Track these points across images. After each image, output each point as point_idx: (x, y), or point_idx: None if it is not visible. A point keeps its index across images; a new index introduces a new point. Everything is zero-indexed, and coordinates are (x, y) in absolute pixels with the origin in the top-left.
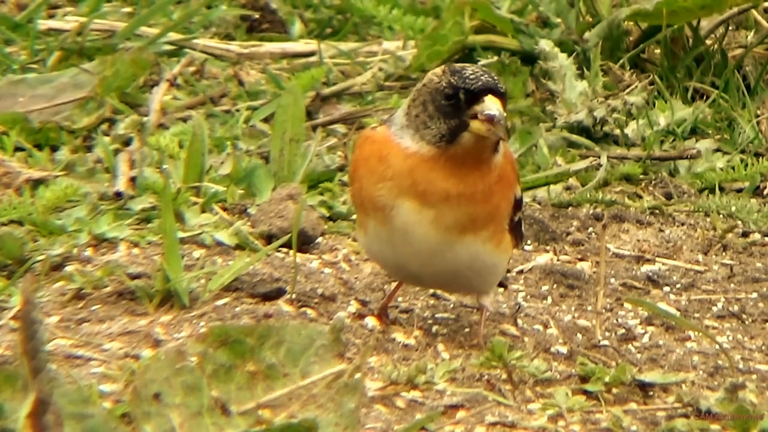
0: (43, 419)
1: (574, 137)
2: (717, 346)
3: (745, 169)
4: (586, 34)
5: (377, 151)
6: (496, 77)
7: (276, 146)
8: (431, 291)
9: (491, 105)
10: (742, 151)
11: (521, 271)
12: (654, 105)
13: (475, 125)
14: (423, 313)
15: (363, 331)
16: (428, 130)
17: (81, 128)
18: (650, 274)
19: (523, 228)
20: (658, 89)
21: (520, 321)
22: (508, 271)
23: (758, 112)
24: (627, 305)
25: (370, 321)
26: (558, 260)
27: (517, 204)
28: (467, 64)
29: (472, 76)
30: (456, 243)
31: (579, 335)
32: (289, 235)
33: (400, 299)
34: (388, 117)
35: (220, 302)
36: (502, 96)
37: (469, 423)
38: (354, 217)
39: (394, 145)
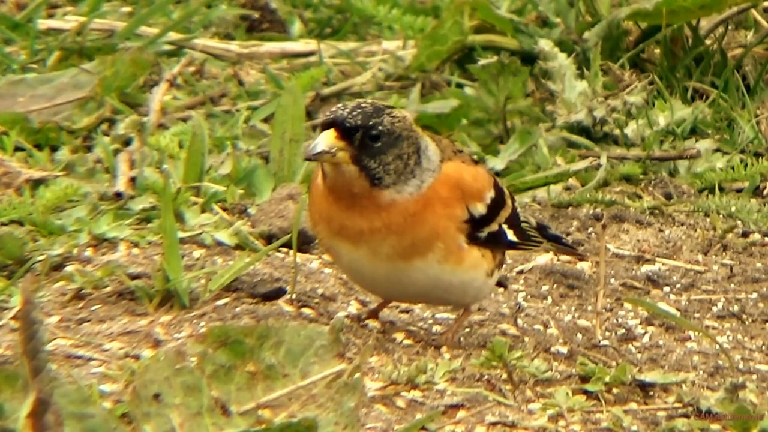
0: (43, 419)
1: (574, 137)
2: (717, 346)
3: (745, 169)
4: (586, 34)
5: (311, 195)
6: (357, 112)
7: (276, 146)
8: None
9: (318, 138)
10: (742, 151)
11: (521, 271)
12: (654, 105)
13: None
14: (423, 313)
15: (363, 331)
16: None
17: (81, 128)
18: (650, 274)
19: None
20: (658, 89)
21: (520, 321)
22: (509, 271)
23: (758, 112)
24: (627, 305)
25: (370, 321)
26: (558, 260)
27: (479, 221)
28: (363, 101)
29: (330, 111)
30: (407, 269)
31: (579, 335)
32: (289, 235)
33: None
34: None
35: (220, 302)
36: (347, 130)
37: (469, 423)
38: None
39: (316, 183)
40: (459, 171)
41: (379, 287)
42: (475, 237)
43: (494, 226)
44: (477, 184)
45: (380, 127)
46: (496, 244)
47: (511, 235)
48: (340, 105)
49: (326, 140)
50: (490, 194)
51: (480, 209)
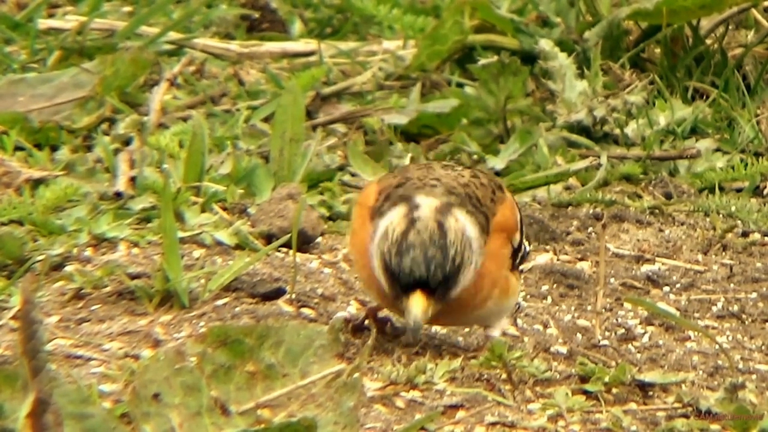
0: (42, 419)
1: (574, 137)
2: (717, 346)
3: (745, 169)
4: (586, 34)
5: (360, 255)
6: (435, 266)
7: (276, 146)
8: None
9: (412, 310)
10: (742, 151)
11: (521, 271)
12: (654, 104)
13: (403, 305)
14: None
15: (363, 331)
16: (380, 273)
17: (81, 128)
18: (650, 273)
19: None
20: (658, 89)
21: (520, 321)
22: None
23: (758, 111)
24: (627, 305)
25: (368, 321)
26: (558, 260)
27: (517, 248)
28: (422, 235)
29: (406, 268)
30: (466, 319)
31: (579, 335)
32: (289, 234)
33: None
34: (387, 198)
35: (219, 302)
36: (433, 290)
37: (468, 423)
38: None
39: (368, 259)
40: (504, 214)
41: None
42: (515, 266)
43: (523, 248)
44: (513, 216)
45: (458, 275)
46: (523, 262)
47: (527, 245)
48: (411, 261)
49: (419, 307)
50: (519, 217)
51: (518, 238)
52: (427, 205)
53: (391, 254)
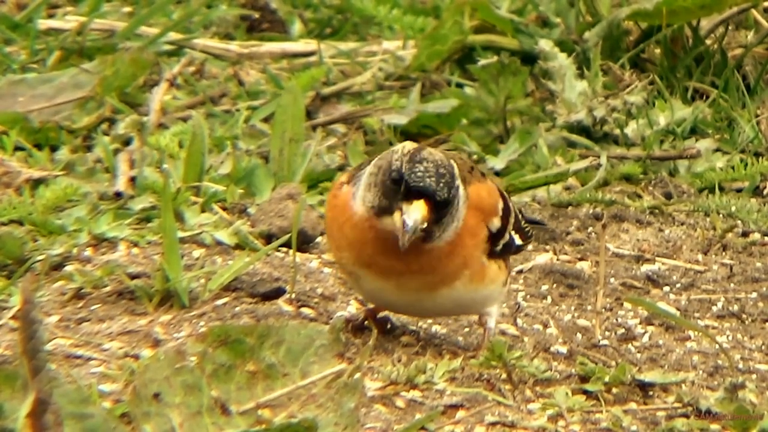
0: (42, 419)
1: (574, 137)
2: (717, 346)
3: (745, 169)
4: (586, 34)
5: (338, 216)
6: (443, 182)
7: (276, 146)
8: None
9: (413, 213)
10: (742, 151)
11: (521, 271)
12: (654, 105)
13: (396, 216)
14: None
15: (363, 331)
16: (369, 194)
17: (81, 128)
18: (650, 273)
19: (525, 232)
20: (658, 89)
21: (519, 321)
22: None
23: (758, 111)
24: (627, 305)
25: (368, 322)
26: (558, 260)
27: (496, 234)
28: (434, 155)
29: (419, 173)
30: (433, 296)
31: (579, 335)
32: (289, 234)
33: None
34: (367, 162)
35: (219, 302)
36: (436, 204)
37: (468, 423)
38: None
39: (349, 211)
40: (478, 193)
41: (398, 309)
42: (493, 252)
43: (506, 236)
44: (492, 199)
45: (455, 200)
46: (508, 252)
47: (518, 240)
48: (430, 168)
49: (420, 213)
50: (501, 205)
51: (496, 223)
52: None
53: (402, 162)
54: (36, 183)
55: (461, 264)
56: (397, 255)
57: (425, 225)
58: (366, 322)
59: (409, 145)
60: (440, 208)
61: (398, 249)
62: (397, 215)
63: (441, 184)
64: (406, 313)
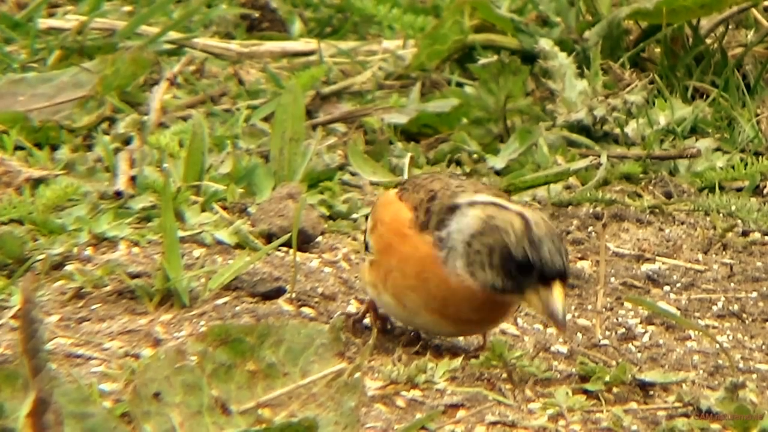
0: (43, 418)
1: (574, 136)
2: (717, 346)
3: (745, 168)
4: (586, 33)
5: (417, 264)
6: (567, 257)
7: (276, 145)
8: None
9: (558, 300)
10: (742, 150)
11: None
12: (654, 104)
13: (532, 299)
14: None
15: (363, 329)
16: (482, 272)
17: (81, 127)
18: (650, 273)
19: None
20: (658, 88)
21: (520, 320)
22: None
23: (758, 111)
24: (627, 304)
25: (367, 318)
26: None
27: None
28: (542, 227)
29: (548, 257)
30: (478, 331)
31: (579, 334)
32: (289, 234)
33: None
34: (439, 212)
35: (220, 301)
36: (567, 279)
37: (469, 422)
38: (354, 216)
39: (438, 268)
40: None
41: (434, 333)
42: None
43: None
44: None
45: None
46: None
47: None
48: (552, 247)
49: (562, 301)
50: None
51: None
52: (507, 204)
53: (525, 248)
54: (36, 182)
55: (514, 309)
56: (478, 310)
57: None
58: (366, 316)
59: (516, 223)
60: (566, 283)
61: (491, 307)
62: (533, 299)
63: (567, 260)
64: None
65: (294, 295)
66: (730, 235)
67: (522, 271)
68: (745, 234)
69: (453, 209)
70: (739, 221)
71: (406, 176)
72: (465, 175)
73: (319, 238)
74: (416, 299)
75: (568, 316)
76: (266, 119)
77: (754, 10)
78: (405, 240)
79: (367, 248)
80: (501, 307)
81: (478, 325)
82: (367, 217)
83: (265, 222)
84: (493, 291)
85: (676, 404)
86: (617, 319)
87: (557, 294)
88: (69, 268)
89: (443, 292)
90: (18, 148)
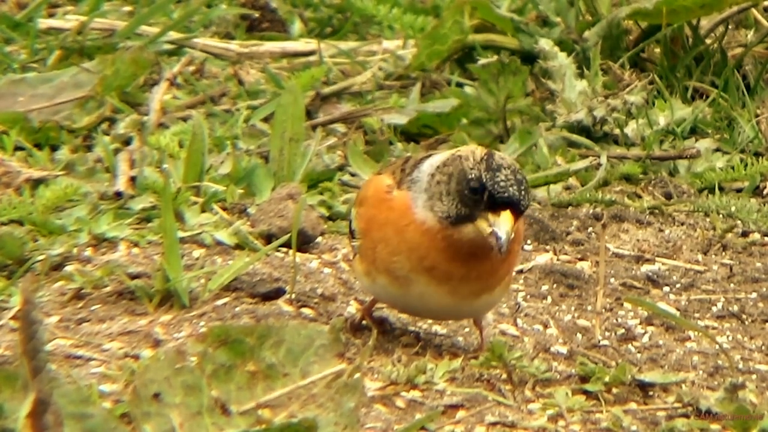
0: (42, 419)
1: (574, 137)
2: (717, 346)
3: (745, 169)
4: (586, 33)
5: (395, 220)
6: (523, 190)
7: (276, 146)
8: None
9: (503, 225)
10: (742, 151)
11: (521, 271)
12: (654, 104)
13: (481, 224)
14: None
15: (363, 331)
16: (440, 203)
17: (81, 127)
18: (650, 273)
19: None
20: (658, 88)
21: (519, 321)
22: None
23: (758, 111)
24: (627, 305)
25: (366, 321)
26: (558, 260)
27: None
28: (506, 160)
29: (502, 183)
30: (474, 301)
31: (579, 335)
32: (289, 234)
33: None
34: (412, 165)
35: (219, 302)
36: (520, 212)
37: (468, 423)
38: None
39: (411, 216)
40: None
41: (428, 312)
42: None
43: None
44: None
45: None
46: None
47: None
48: (509, 175)
49: (510, 224)
50: None
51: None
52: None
53: (480, 171)
54: (36, 183)
55: (506, 270)
56: (464, 261)
57: (510, 240)
58: (363, 321)
59: (478, 151)
60: (519, 216)
61: (467, 256)
62: (482, 225)
63: (523, 193)
64: (429, 317)
65: (294, 295)
66: (729, 235)
67: (474, 193)
68: (744, 235)
69: (425, 158)
70: (739, 222)
71: None
72: None
73: (319, 239)
74: (402, 262)
75: (568, 317)
76: (266, 120)
77: (754, 10)
78: (384, 204)
79: (353, 235)
80: (483, 258)
81: (475, 283)
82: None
83: (265, 223)
84: (449, 223)
85: (676, 405)
86: (617, 320)
87: (504, 219)
88: (69, 268)
89: (418, 239)
90: (18, 148)
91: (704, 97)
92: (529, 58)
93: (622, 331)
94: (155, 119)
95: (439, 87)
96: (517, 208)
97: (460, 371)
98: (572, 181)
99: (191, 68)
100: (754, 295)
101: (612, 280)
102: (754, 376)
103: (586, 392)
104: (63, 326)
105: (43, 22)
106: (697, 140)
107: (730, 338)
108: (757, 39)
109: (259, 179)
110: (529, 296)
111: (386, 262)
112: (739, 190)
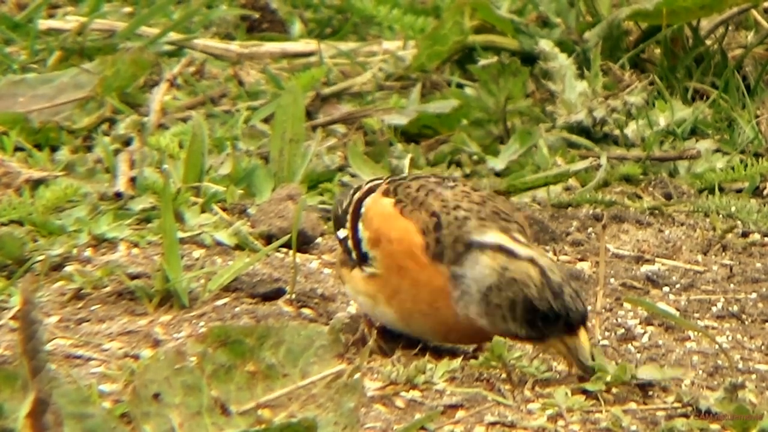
0: (42, 419)
1: (574, 137)
2: (716, 346)
3: (745, 170)
4: (586, 34)
5: (431, 296)
6: (584, 299)
7: (276, 146)
8: None
9: (583, 348)
10: (742, 152)
11: None
12: (654, 105)
13: (556, 346)
14: None
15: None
16: (504, 324)
17: (81, 128)
18: (650, 274)
19: None
20: (658, 89)
21: None
22: None
23: (758, 112)
24: (626, 305)
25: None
26: (558, 260)
27: None
28: (557, 272)
29: (571, 304)
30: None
31: None
32: (289, 235)
33: None
34: (452, 241)
35: (219, 302)
36: (587, 324)
37: (468, 423)
38: None
39: (453, 305)
40: None
41: (426, 339)
42: None
43: None
44: None
45: None
46: None
47: None
48: (571, 297)
49: (588, 346)
50: None
51: None
52: (516, 244)
53: (548, 299)
54: (36, 183)
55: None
56: (483, 338)
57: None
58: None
59: (533, 272)
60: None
61: (477, 336)
62: (559, 347)
63: (585, 303)
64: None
65: (294, 296)
66: (729, 236)
67: (547, 322)
68: (744, 235)
69: (466, 247)
70: (739, 222)
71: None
72: (464, 177)
73: (319, 240)
74: (424, 324)
75: None
76: (266, 120)
77: (754, 12)
78: (420, 267)
79: (364, 259)
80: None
81: (476, 343)
82: (345, 212)
83: (265, 223)
84: (513, 338)
85: (676, 404)
86: (617, 320)
87: (584, 341)
88: (69, 269)
89: (454, 325)
90: (18, 149)
91: (704, 98)
92: (530, 59)
93: (622, 331)
94: (155, 120)
95: (440, 88)
96: (587, 321)
97: (460, 371)
98: (572, 181)
99: (191, 69)
100: (754, 295)
101: (612, 280)
102: (753, 376)
103: (585, 392)
104: (63, 326)
105: (43, 23)
106: (697, 141)
107: (730, 338)
108: (757, 40)
109: (259, 180)
110: None
111: (406, 312)
112: (739, 191)
